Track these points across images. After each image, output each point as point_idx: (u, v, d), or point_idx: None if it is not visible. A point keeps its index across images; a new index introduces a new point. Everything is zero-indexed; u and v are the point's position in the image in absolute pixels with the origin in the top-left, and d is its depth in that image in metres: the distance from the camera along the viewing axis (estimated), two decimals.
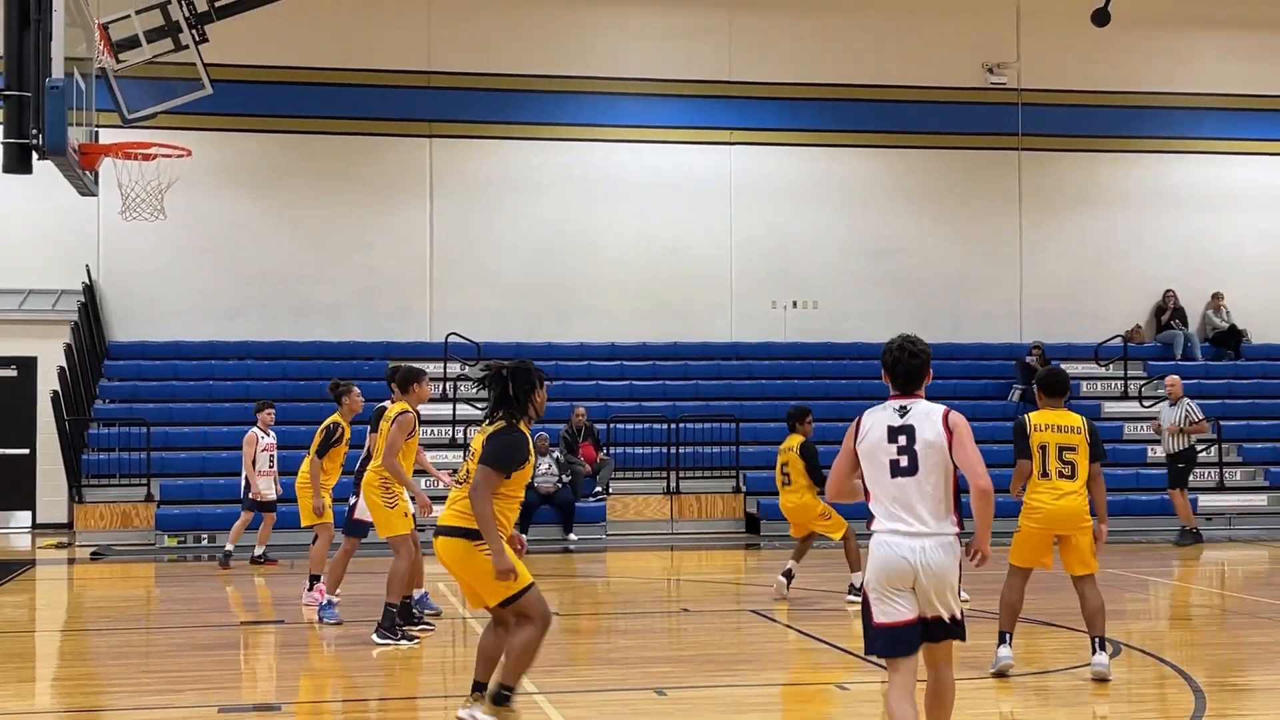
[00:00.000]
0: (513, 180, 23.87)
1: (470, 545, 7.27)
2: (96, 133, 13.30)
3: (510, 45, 23.77)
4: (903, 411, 6.26)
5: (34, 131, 10.86)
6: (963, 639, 6.33)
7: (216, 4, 16.66)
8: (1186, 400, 19.35)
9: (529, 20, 23.84)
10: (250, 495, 15.96)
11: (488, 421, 7.52)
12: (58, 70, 10.89)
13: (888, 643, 6.20)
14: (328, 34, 23.09)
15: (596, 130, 24.07)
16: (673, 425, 21.10)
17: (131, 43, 15.75)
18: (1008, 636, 9.15)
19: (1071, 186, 25.43)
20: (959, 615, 6.28)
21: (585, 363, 23.28)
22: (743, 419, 21.37)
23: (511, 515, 7.47)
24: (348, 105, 23.34)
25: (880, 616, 6.19)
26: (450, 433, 20.83)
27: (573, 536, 19.58)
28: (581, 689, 9.23)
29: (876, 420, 6.31)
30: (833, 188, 24.80)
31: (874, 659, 6.73)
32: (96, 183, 13.17)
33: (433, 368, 22.00)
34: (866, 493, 6.32)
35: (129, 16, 15.72)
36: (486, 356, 22.77)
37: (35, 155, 11.05)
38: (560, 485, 19.72)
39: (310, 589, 12.43)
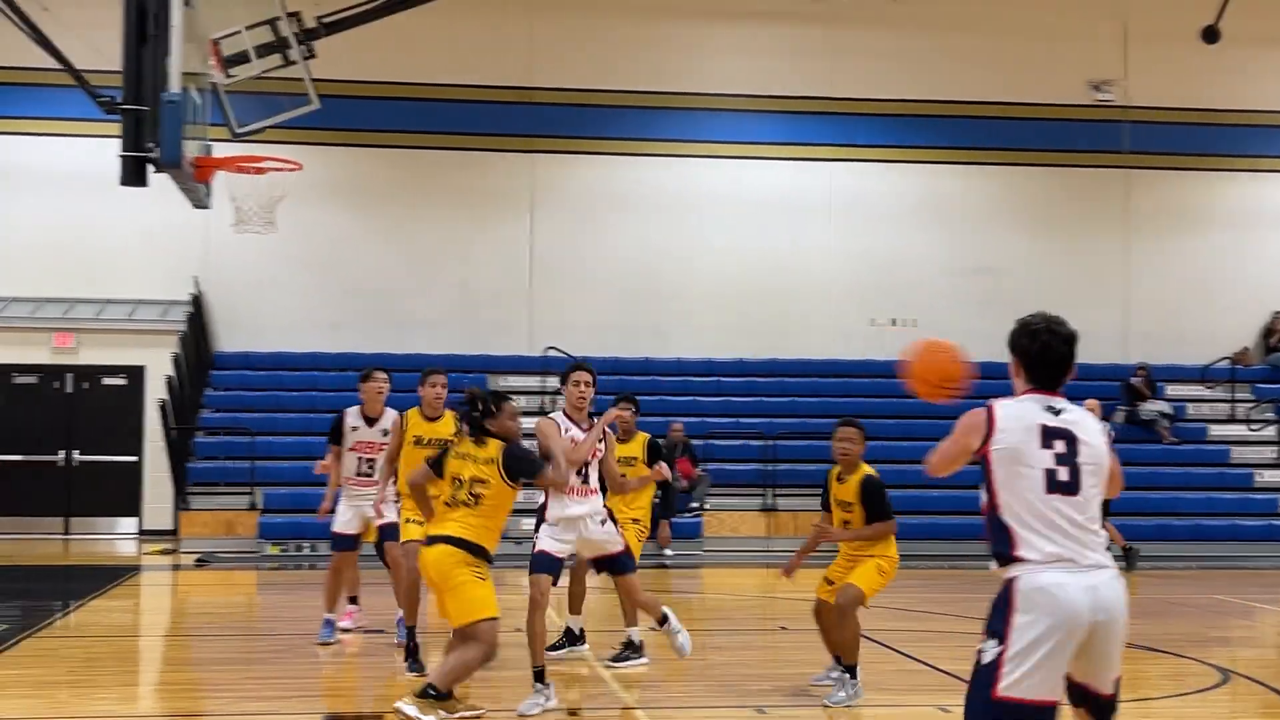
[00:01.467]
0: (613, 196, 23.96)
1: (467, 559, 7.77)
2: (210, 146, 13.54)
3: (612, 62, 23.89)
4: (1055, 410, 4.82)
5: (150, 145, 11.08)
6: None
7: (324, 21, 16.89)
8: (1106, 424, 18.64)
9: (631, 37, 23.95)
10: None
11: (474, 441, 8.05)
12: (174, 85, 11.10)
13: None
14: (432, 50, 23.34)
15: (697, 146, 24.10)
16: (769, 442, 21.03)
17: (241, 58, 16.02)
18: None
19: (1179, 205, 25.02)
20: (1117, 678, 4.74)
21: (682, 378, 23.28)
22: None
23: (492, 541, 7.98)
24: (451, 121, 23.57)
25: (1013, 688, 4.51)
26: None
27: (668, 552, 19.56)
28: (679, 705, 9.22)
29: (1020, 413, 4.81)
30: (934, 205, 24.61)
31: None
32: (209, 195, 13.40)
33: (532, 381, 22.18)
34: (995, 507, 4.71)
35: (240, 32, 15.98)
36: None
37: (151, 168, 11.27)
38: (657, 500, 19.69)
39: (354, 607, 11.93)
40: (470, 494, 7.87)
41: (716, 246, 24.01)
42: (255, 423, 20.87)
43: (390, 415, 11.03)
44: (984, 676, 4.57)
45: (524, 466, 8.02)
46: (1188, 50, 22.79)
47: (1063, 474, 4.67)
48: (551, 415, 9.25)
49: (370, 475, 11.03)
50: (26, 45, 14.70)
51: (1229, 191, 25.24)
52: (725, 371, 23.56)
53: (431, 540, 7.90)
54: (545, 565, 8.83)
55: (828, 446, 22.79)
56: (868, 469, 9.20)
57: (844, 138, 24.36)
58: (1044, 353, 4.90)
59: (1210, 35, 21.35)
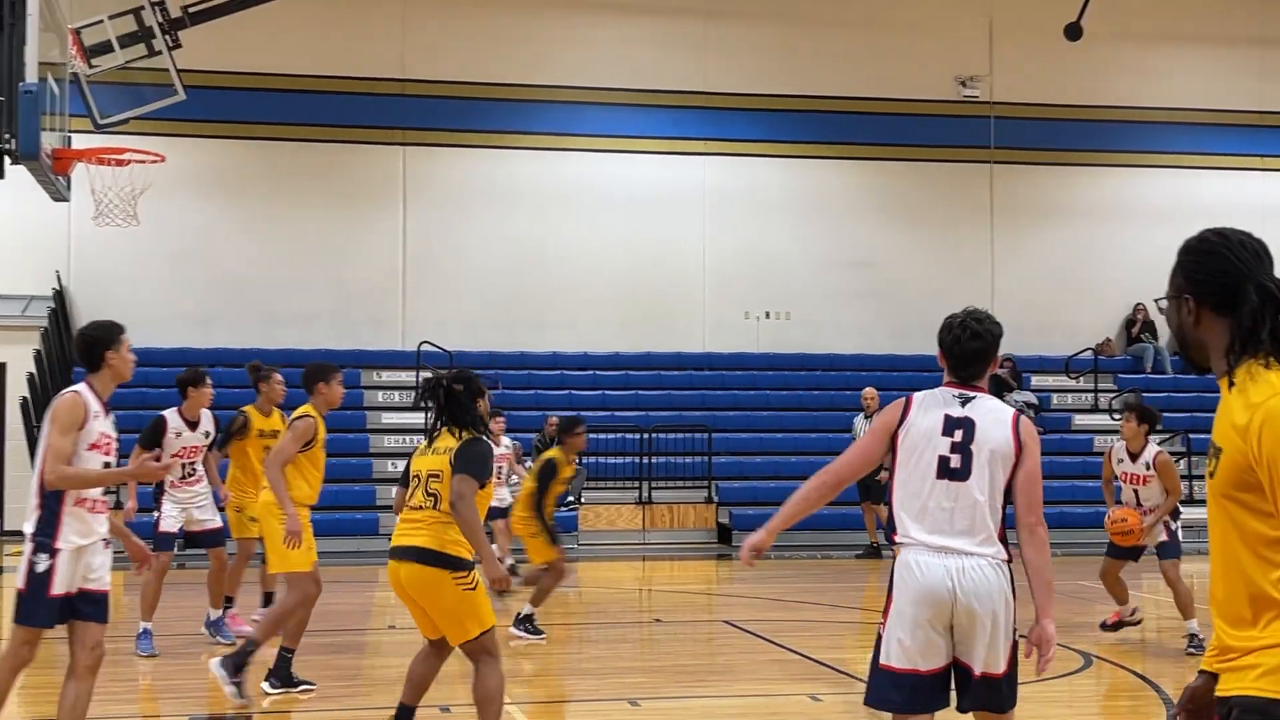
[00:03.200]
0: (487, 189, 23.83)
1: (447, 576, 6.73)
2: (69, 138, 13.24)
3: (485, 54, 23.75)
4: (964, 401, 5.08)
5: (6, 136, 10.81)
6: (1003, 710, 5.09)
7: (190, 10, 16.59)
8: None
9: (504, 29, 23.83)
10: None
11: (431, 438, 7.03)
12: (31, 75, 10.84)
13: (889, 693, 4.96)
14: (302, 41, 23.02)
15: (571, 140, 24.08)
16: (645, 435, 21.09)
17: (104, 48, 15.68)
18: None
19: (1043, 199, 25.55)
20: (1004, 670, 5.01)
21: (558, 372, 23.25)
22: (715, 429, 21.39)
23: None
24: (321, 112, 23.27)
25: (888, 657, 4.96)
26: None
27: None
28: (554, 699, 9.22)
29: (930, 404, 5.11)
30: (806, 199, 24.85)
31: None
32: (69, 188, 13.10)
33: (405, 376, 22.01)
34: (890, 491, 5.08)
35: (102, 21, 15.64)
36: (459, 365, 22.72)
37: (8, 160, 11.00)
38: None
39: (229, 609, 11.54)
40: (432, 493, 6.88)
41: (592, 240, 24.00)
42: (121, 420, 20.33)
43: (208, 418, 11.04)
44: (876, 649, 5.00)
45: (476, 463, 6.83)
46: (1051, 47, 23.25)
47: (955, 461, 4.97)
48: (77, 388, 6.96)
49: (193, 476, 10.98)
50: None
51: (1092, 186, 25.82)
52: (601, 365, 23.57)
53: (404, 553, 6.87)
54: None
55: (702, 440, 22.87)
56: None
57: (718, 132, 24.49)
58: (954, 346, 5.18)
59: (1073, 32, 21.79)
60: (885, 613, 5.00)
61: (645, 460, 20.92)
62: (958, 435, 4.99)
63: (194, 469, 11.01)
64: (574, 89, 24.05)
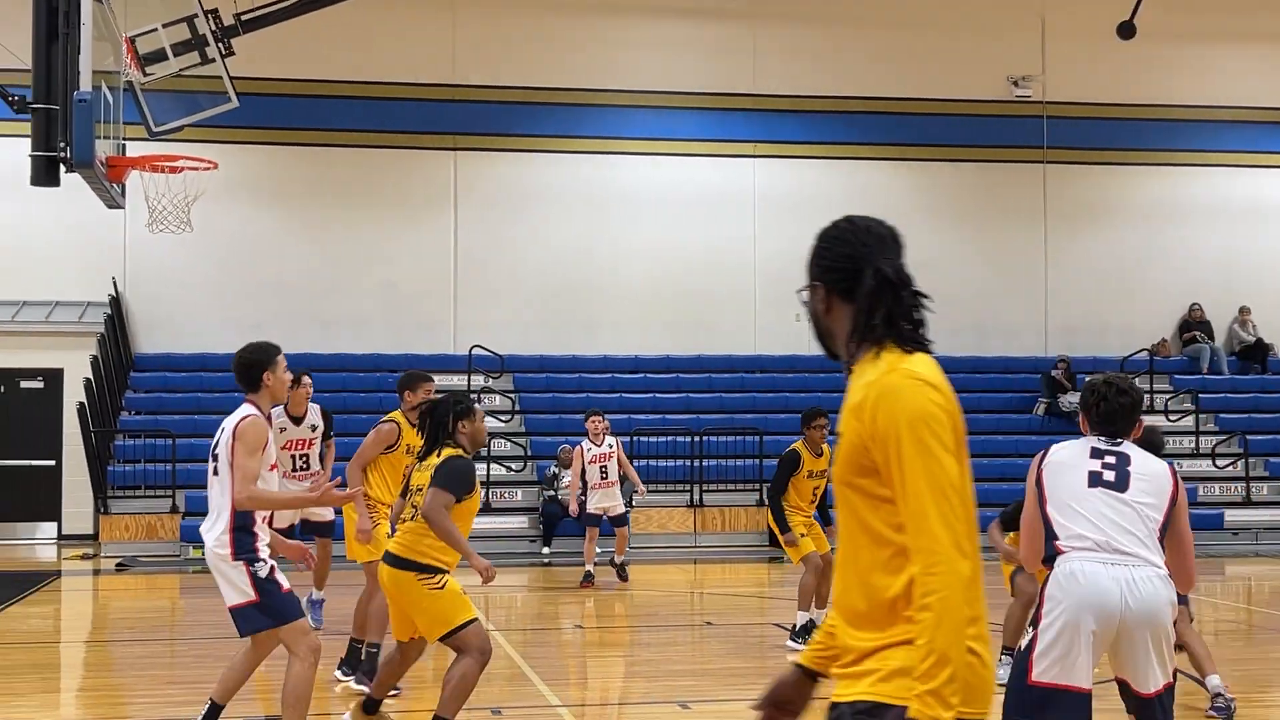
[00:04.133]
0: (537, 193, 23.90)
1: (413, 578, 7.35)
2: (124, 145, 13.37)
3: (535, 58, 23.82)
4: (1113, 442, 5.14)
5: (62, 144, 10.92)
6: None
7: (243, 18, 16.69)
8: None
9: (554, 33, 23.89)
10: (576, 509, 16.53)
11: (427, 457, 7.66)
12: (86, 84, 10.95)
13: (1042, 711, 4.75)
14: (353, 47, 23.16)
15: (621, 143, 24.09)
16: (696, 438, 21.07)
17: (158, 56, 15.80)
18: None
19: (1097, 199, 25.34)
20: (1164, 685, 4.88)
21: (609, 375, 23.26)
22: (766, 432, 21.33)
23: (453, 557, 7.39)
24: (373, 118, 23.40)
25: (1042, 673, 4.77)
26: None
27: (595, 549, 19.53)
28: (605, 702, 9.22)
29: (1074, 443, 5.21)
30: (856, 200, 24.72)
31: None
32: (123, 195, 13.23)
33: (456, 380, 22.07)
34: (1045, 514, 5.00)
35: (156, 30, 15.75)
36: (510, 369, 22.81)
37: (63, 168, 11.11)
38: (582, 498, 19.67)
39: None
40: (413, 505, 7.49)
41: (642, 243, 24.00)
42: (176, 425, 20.61)
43: (315, 411, 11.62)
44: (1020, 663, 4.84)
45: (448, 477, 7.34)
46: (1104, 46, 23.04)
47: (1108, 475, 4.96)
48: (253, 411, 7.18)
49: (305, 469, 11.43)
50: None
51: (1146, 185, 25.58)
52: (652, 368, 23.56)
53: (385, 557, 7.59)
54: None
55: (754, 443, 22.86)
56: None
57: (766, 134, 24.44)
58: (1101, 404, 5.20)
59: (1126, 31, 21.59)
60: (1035, 625, 4.85)
61: (696, 463, 20.90)
62: (1109, 459, 5.03)
63: (306, 461, 11.49)
64: (623, 93, 24.06)
